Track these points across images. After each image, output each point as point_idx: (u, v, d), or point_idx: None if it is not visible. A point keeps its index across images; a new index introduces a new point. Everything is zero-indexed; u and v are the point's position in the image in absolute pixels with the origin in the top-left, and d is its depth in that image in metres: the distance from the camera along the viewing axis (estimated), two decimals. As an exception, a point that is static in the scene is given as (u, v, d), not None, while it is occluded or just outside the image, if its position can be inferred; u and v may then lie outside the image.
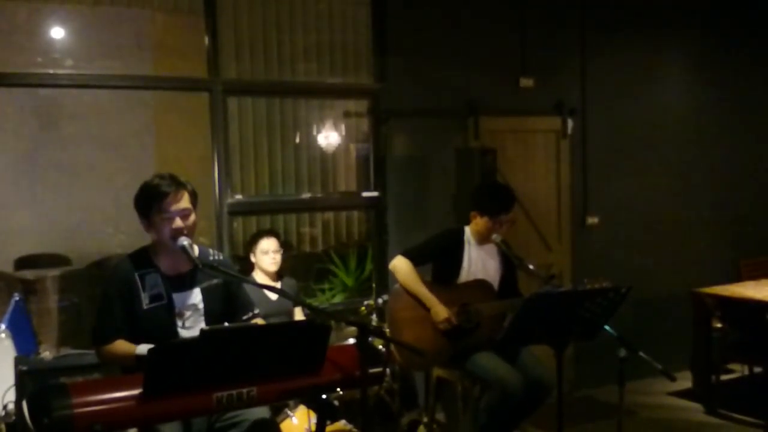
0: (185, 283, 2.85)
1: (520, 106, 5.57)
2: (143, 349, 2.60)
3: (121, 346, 2.72)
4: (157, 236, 2.79)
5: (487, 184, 4.72)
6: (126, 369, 2.70)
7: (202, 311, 2.86)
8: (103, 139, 5.58)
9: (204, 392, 2.27)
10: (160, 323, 2.77)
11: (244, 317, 2.98)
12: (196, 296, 2.86)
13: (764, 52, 6.62)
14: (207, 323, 2.85)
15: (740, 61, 6.52)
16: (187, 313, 2.84)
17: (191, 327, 2.83)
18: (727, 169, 6.50)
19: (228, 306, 2.95)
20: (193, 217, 2.82)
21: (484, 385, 3.86)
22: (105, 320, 2.77)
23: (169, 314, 2.80)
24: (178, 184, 2.80)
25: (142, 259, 2.83)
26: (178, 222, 2.75)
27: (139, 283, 2.77)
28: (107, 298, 2.78)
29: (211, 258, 2.96)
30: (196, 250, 2.88)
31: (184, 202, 2.79)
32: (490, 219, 3.93)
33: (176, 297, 2.82)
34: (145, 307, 2.77)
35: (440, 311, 3.81)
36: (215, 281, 2.91)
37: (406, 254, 3.97)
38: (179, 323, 2.82)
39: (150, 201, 2.76)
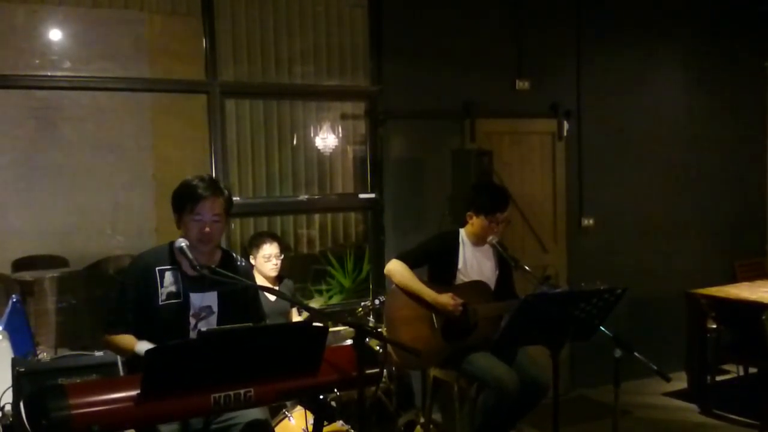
0: (204, 284, 2.82)
1: (515, 108, 5.59)
2: (143, 347, 2.61)
3: (124, 339, 2.73)
4: (185, 234, 2.81)
5: (481, 183, 4.74)
6: (131, 366, 2.72)
7: (216, 314, 2.86)
8: (100, 141, 5.59)
9: (202, 393, 2.28)
10: (173, 321, 2.78)
11: None
12: (212, 298, 2.86)
13: (756, 55, 6.65)
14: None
15: (733, 63, 6.55)
16: (202, 314, 2.84)
17: (204, 329, 2.81)
18: (722, 170, 6.52)
19: (243, 313, 2.92)
20: (222, 224, 2.84)
21: (481, 385, 3.87)
22: (116, 311, 2.81)
23: (184, 313, 2.80)
24: (216, 189, 2.82)
25: (165, 254, 2.84)
26: (206, 227, 2.77)
27: (158, 278, 2.78)
28: (123, 290, 2.82)
29: (238, 264, 2.98)
30: (218, 253, 2.91)
31: (217, 208, 2.81)
32: (486, 218, 3.94)
33: (193, 297, 2.82)
34: (160, 302, 2.78)
35: (444, 299, 3.79)
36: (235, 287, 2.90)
37: (401, 257, 3.98)
38: (192, 323, 2.81)
39: (185, 200, 2.80)
